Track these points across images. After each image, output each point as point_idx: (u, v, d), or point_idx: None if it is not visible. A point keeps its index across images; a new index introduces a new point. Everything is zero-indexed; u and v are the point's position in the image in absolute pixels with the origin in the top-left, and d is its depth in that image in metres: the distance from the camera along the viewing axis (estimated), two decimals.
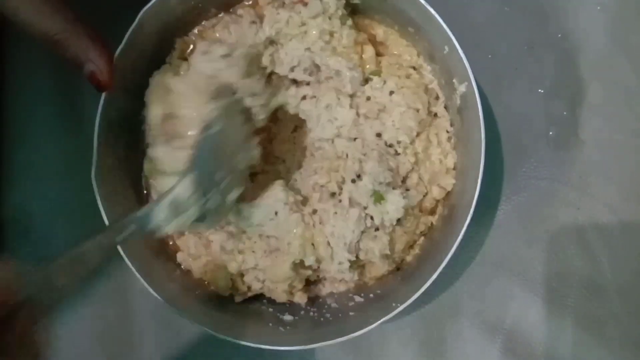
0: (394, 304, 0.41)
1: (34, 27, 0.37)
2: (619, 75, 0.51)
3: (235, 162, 0.41)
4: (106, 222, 0.41)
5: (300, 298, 0.47)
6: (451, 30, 0.41)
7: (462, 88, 0.43)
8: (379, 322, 0.40)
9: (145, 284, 0.41)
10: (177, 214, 0.37)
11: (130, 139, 0.45)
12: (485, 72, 0.50)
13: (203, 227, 0.44)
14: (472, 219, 0.41)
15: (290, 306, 0.47)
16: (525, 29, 0.51)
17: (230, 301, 0.47)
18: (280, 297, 0.45)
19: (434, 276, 0.40)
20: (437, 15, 0.40)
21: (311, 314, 0.46)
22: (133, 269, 0.41)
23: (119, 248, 0.40)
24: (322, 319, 0.45)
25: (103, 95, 0.41)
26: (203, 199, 0.38)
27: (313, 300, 0.47)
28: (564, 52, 0.51)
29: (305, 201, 0.45)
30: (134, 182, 0.46)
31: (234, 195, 0.41)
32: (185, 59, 0.46)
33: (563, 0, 0.51)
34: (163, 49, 0.45)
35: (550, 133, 0.51)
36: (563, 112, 0.51)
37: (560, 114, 0.51)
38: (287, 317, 0.46)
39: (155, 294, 0.41)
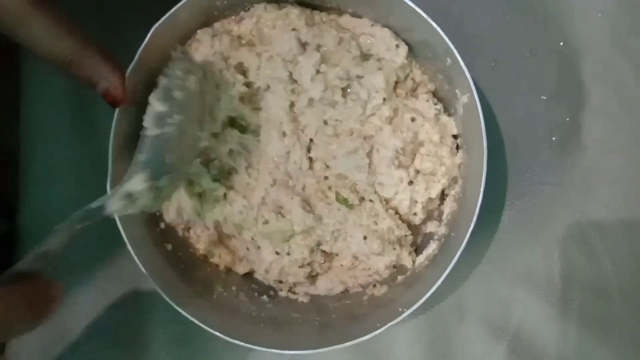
0: (400, 309, 0.42)
1: (46, 50, 0.37)
2: (620, 81, 0.51)
3: (188, 151, 0.43)
4: (120, 229, 0.42)
5: (304, 297, 0.49)
6: (454, 39, 0.42)
7: (464, 99, 0.44)
8: (386, 326, 0.41)
9: (159, 290, 0.43)
10: (131, 203, 0.39)
11: None
12: (488, 79, 0.51)
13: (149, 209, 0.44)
14: (477, 224, 0.42)
15: (296, 308, 0.48)
16: (527, 36, 0.52)
17: (239, 305, 0.48)
18: None
19: (440, 281, 0.41)
20: (439, 29, 0.41)
21: (317, 317, 0.47)
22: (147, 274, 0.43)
23: (127, 244, 0.42)
24: (328, 323, 0.46)
25: (117, 109, 0.42)
26: (155, 189, 0.39)
27: (318, 303, 0.49)
28: (566, 58, 0.52)
29: None
30: None
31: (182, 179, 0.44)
32: None
33: (564, 7, 0.52)
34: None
35: (553, 138, 0.52)
36: (566, 118, 0.51)
37: (562, 120, 0.51)
38: (294, 320, 0.47)
39: (167, 299, 0.43)
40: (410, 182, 0.47)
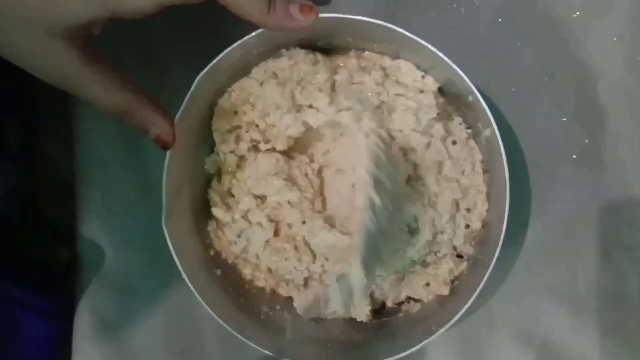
0: (433, 328, 0.45)
1: (104, 104, 0.41)
2: (635, 102, 0.54)
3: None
4: (176, 260, 0.46)
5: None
6: (475, 71, 0.45)
7: (486, 132, 0.47)
8: (421, 344, 0.45)
9: (211, 313, 0.47)
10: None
11: (193, 186, 0.51)
12: (509, 104, 0.54)
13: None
14: (504, 240, 0.45)
15: (337, 326, 0.52)
16: (545, 61, 0.54)
17: (284, 323, 0.52)
18: None
19: (470, 301, 0.45)
20: (459, 70, 0.44)
21: (357, 334, 0.51)
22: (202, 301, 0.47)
23: (182, 272, 0.46)
24: (367, 340, 0.50)
25: (167, 152, 0.46)
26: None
27: (357, 322, 0.52)
28: (583, 81, 0.54)
29: None
30: (197, 225, 0.52)
31: None
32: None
33: (580, 33, 0.54)
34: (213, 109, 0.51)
35: (574, 156, 0.54)
36: (585, 139, 0.54)
37: (582, 140, 0.54)
38: (335, 337, 0.51)
39: (219, 320, 0.47)
40: (467, 226, 0.50)
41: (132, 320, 0.57)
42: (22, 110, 0.61)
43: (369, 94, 0.48)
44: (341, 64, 0.50)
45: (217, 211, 0.51)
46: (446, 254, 0.50)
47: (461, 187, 0.49)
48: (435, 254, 0.51)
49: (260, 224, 0.50)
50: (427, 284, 0.50)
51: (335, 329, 0.51)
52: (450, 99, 0.50)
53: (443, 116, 0.50)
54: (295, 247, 0.50)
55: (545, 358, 0.53)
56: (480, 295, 0.46)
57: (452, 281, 0.51)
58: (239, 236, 0.51)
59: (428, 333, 0.45)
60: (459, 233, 0.50)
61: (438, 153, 0.49)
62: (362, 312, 0.50)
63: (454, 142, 0.50)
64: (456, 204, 0.50)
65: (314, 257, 0.50)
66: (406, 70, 0.50)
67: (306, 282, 0.51)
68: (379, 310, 0.53)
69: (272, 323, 0.51)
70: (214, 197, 0.51)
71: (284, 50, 0.50)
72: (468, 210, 0.50)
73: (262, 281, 0.53)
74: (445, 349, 0.55)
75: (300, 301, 0.51)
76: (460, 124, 0.51)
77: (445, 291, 0.50)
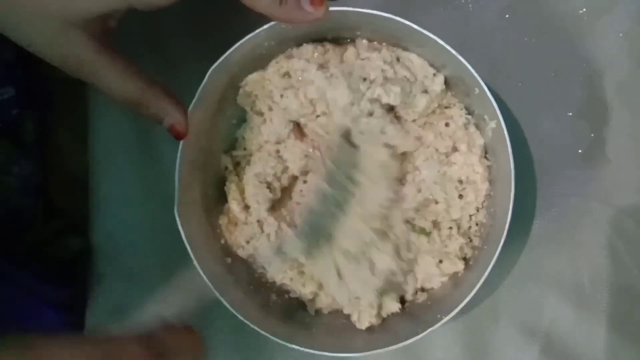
0: (438, 316, 0.46)
1: (118, 93, 0.43)
2: None
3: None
4: (188, 248, 0.47)
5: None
6: (482, 66, 0.46)
7: (492, 124, 0.48)
8: (426, 332, 0.46)
9: (221, 299, 0.48)
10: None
11: (204, 176, 0.52)
12: (516, 99, 0.54)
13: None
14: (509, 233, 0.45)
15: (344, 315, 0.52)
16: (551, 57, 0.55)
17: (293, 312, 0.53)
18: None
19: (474, 291, 0.45)
20: (466, 63, 0.45)
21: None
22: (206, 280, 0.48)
23: (194, 259, 0.47)
24: (373, 328, 0.51)
25: (180, 142, 0.47)
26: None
27: None
28: (589, 77, 0.55)
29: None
30: (208, 214, 0.53)
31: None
32: None
33: (586, 29, 0.55)
34: (226, 99, 0.52)
35: (580, 151, 0.55)
36: (590, 134, 0.55)
37: (587, 135, 0.55)
38: (342, 326, 0.52)
39: (228, 307, 0.48)
40: (461, 196, 0.51)
41: (145, 309, 0.58)
42: (37, 104, 0.63)
43: (368, 70, 0.49)
44: (350, 48, 0.51)
45: (234, 204, 0.52)
46: (450, 228, 0.51)
47: (452, 160, 0.51)
48: (435, 225, 0.51)
49: (269, 236, 0.52)
50: (440, 261, 0.50)
51: (342, 317, 0.52)
52: (456, 91, 0.51)
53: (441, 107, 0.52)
54: (299, 273, 0.52)
55: (549, 350, 0.54)
56: (485, 288, 0.46)
57: (467, 259, 0.51)
58: (247, 242, 0.52)
59: (432, 322, 0.46)
60: (454, 204, 0.50)
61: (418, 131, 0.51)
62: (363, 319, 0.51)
63: (447, 124, 0.51)
64: (447, 175, 0.51)
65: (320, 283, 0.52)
66: (419, 65, 0.50)
67: (315, 297, 0.53)
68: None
69: (280, 310, 0.52)
70: (232, 190, 0.52)
71: (295, 50, 0.51)
72: (460, 181, 0.51)
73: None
74: (450, 341, 0.55)
75: (314, 307, 0.53)
76: (462, 109, 0.51)
77: (460, 266, 0.50)
